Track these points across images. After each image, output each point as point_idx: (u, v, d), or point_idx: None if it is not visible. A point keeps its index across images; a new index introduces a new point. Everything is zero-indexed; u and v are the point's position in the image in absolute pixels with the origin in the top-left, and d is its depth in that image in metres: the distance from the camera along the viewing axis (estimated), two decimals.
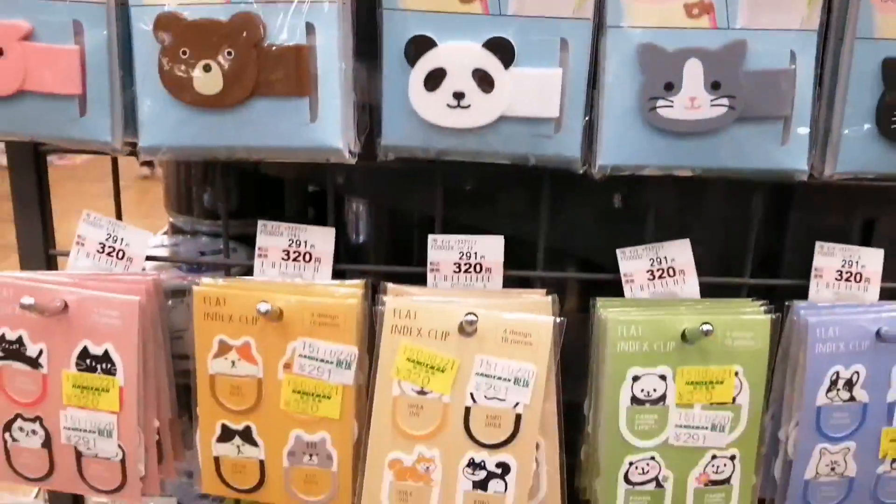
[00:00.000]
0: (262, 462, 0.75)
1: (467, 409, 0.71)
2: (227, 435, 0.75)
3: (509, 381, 0.71)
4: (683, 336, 0.72)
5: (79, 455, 0.75)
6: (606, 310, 0.73)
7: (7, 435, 0.76)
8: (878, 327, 0.74)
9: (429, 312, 0.71)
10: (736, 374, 0.73)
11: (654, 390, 0.73)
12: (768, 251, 0.85)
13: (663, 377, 0.72)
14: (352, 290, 0.72)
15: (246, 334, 0.72)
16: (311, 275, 0.75)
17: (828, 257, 0.78)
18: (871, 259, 0.78)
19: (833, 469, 0.77)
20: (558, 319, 0.71)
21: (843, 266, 0.78)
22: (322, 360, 0.72)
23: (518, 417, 0.71)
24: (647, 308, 0.74)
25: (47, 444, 0.76)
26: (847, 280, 0.78)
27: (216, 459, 0.76)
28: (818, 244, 0.78)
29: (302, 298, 0.71)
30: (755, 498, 0.78)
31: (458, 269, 0.75)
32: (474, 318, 0.69)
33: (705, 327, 0.69)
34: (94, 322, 0.71)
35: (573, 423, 0.77)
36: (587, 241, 0.86)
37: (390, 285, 0.73)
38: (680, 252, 0.77)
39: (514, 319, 0.71)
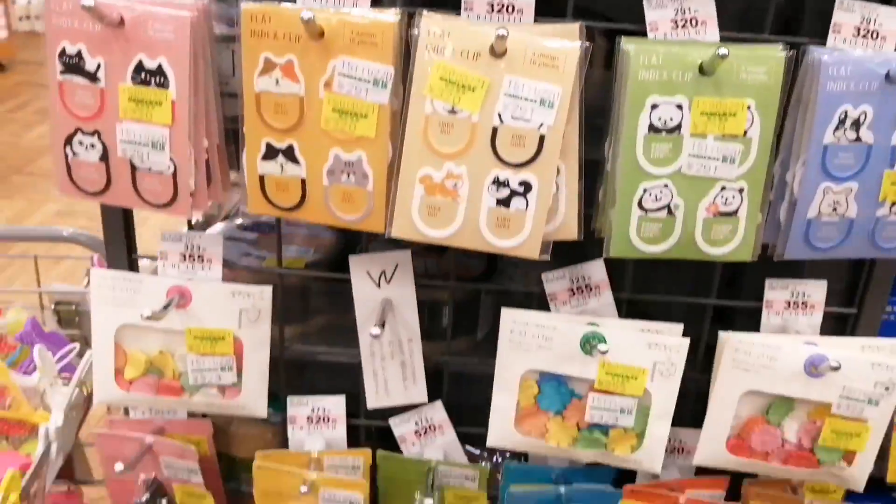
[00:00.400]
0: (303, 181, 0.81)
1: (494, 129, 0.76)
2: (271, 153, 0.80)
3: (535, 101, 0.75)
4: (701, 69, 0.76)
5: (133, 169, 0.81)
6: (630, 44, 0.77)
7: (68, 149, 0.82)
8: (887, 69, 0.77)
9: (462, 33, 0.75)
10: (748, 107, 0.77)
11: (671, 119, 0.77)
12: (790, 16, 0.88)
13: (679, 107, 0.77)
14: (390, 13, 0.76)
15: (289, 52, 0.76)
16: (350, 8, 0.79)
17: (847, 13, 0.81)
18: (890, 18, 0.81)
19: (835, 209, 0.82)
20: (585, 44, 0.75)
21: (861, 23, 0.81)
22: (360, 79, 0.76)
23: (542, 138, 0.76)
24: (669, 44, 0.78)
25: (105, 157, 0.81)
26: (864, 37, 0.81)
27: (261, 178, 0.81)
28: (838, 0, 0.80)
29: (342, 17, 0.76)
30: (759, 237, 0.83)
31: (490, 10, 0.79)
32: (505, 32, 0.72)
33: (721, 51, 0.73)
34: (148, 36, 0.76)
35: (592, 181, 0.82)
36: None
37: (426, 11, 0.77)
38: (704, 4, 0.80)
39: (543, 43, 0.75)
